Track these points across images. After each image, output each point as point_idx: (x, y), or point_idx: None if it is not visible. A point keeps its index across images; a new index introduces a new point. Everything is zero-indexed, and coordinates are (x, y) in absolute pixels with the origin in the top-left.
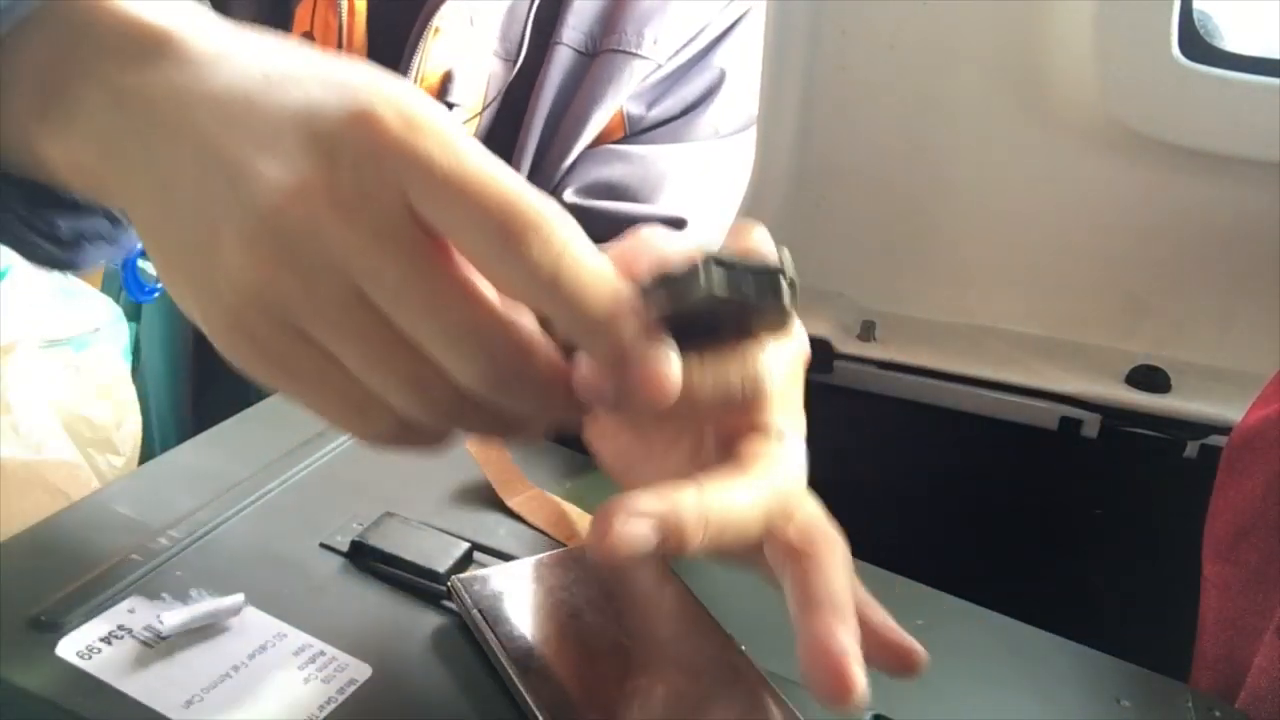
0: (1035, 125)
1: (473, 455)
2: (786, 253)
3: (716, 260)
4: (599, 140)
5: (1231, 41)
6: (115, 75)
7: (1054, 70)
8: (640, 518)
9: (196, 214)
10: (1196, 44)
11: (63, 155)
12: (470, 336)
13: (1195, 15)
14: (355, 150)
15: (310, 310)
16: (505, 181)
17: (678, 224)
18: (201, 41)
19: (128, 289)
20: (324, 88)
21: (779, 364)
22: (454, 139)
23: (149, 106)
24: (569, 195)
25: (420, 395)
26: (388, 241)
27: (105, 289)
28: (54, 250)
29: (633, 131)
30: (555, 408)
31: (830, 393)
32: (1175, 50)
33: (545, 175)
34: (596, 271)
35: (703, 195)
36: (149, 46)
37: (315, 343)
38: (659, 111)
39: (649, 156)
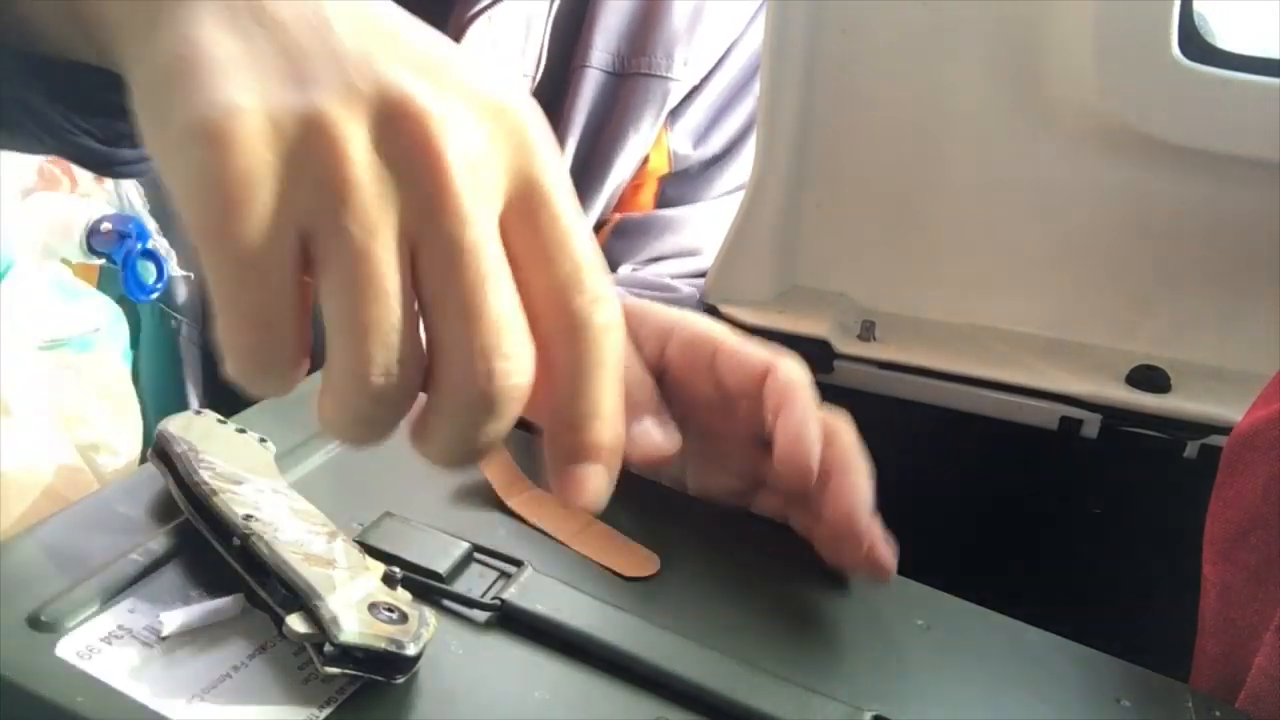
0: (1035, 125)
1: None
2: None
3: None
4: (644, 175)
5: (1227, 41)
6: None
7: (1053, 70)
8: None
9: (301, 59)
10: (1196, 44)
11: None
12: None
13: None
14: (509, 127)
15: (348, 229)
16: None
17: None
18: None
19: (126, 289)
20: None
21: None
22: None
23: None
24: (625, 270)
25: (376, 362)
26: (481, 218)
27: (105, 289)
28: (97, 147)
29: (677, 169)
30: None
31: (830, 393)
32: (1175, 50)
33: (582, 199)
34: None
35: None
36: None
37: (309, 256)
38: (704, 150)
39: (693, 219)
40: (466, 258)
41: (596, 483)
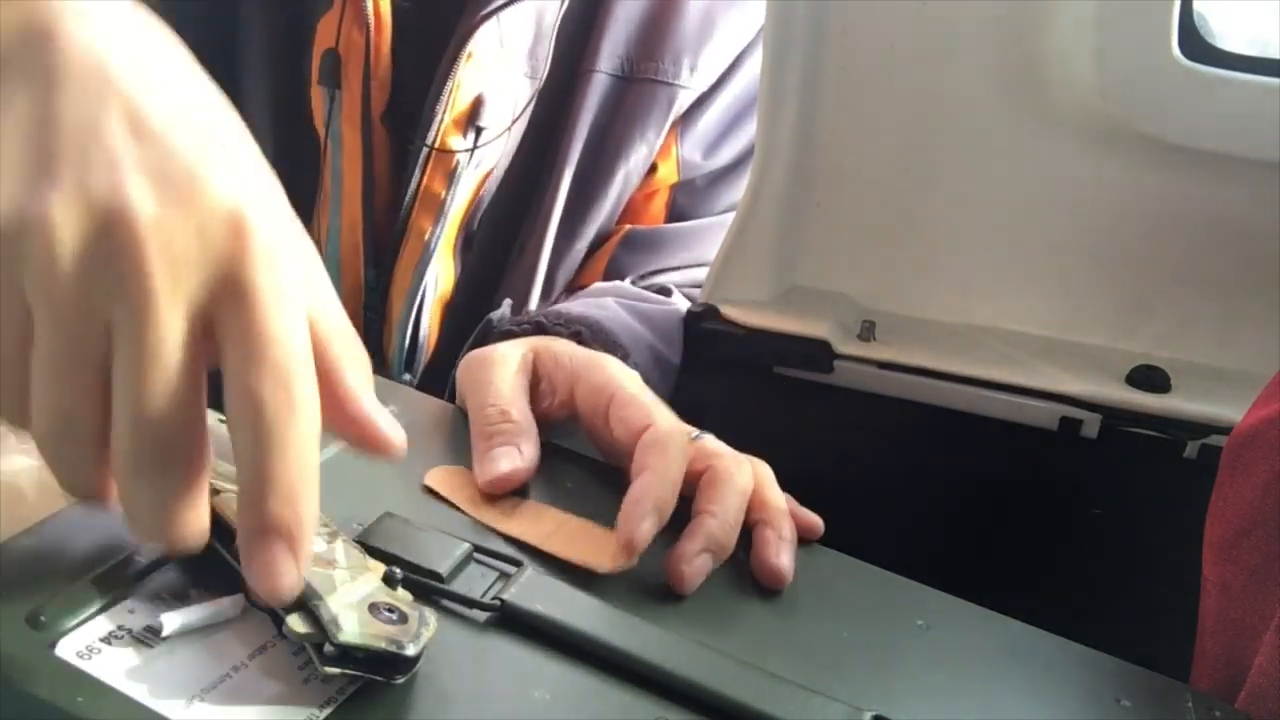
0: (1035, 125)
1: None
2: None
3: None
4: (654, 184)
5: (1227, 41)
6: None
7: (1054, 70)
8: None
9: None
10: (1196, 43)
11: None
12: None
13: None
14: (226, 231)
15: (56, 299)
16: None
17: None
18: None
19: None
20: (240, 163)
21: None
22: (288, 293)
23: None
24: (630, 282)
25: (68, 420)
26: (172, 313)
27: None
28: None
29: (686, 178)
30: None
31: (830, 393)
32: (1175, 49)
33: (586, 204)
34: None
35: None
36: None
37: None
38: (715, 160)
39: (702, 233)
40: (148, 356)
41: (282, 566)
